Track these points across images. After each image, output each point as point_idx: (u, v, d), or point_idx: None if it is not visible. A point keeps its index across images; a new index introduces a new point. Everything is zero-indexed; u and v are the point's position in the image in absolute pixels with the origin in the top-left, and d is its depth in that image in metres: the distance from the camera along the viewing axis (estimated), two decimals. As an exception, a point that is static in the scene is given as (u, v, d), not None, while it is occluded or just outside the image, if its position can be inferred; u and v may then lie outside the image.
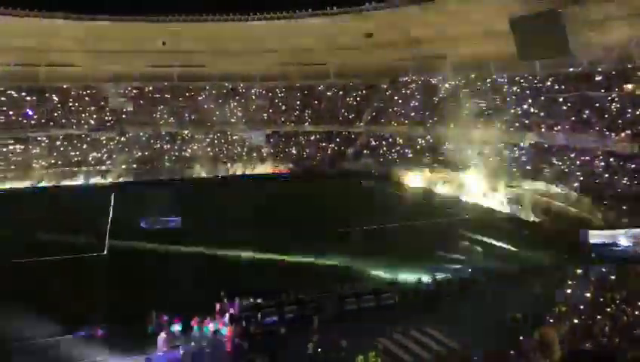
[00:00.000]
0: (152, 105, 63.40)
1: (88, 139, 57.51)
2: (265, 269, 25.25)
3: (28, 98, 58.41)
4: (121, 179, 53.19)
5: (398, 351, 17.34)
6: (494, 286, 21.85)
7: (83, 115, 59.33)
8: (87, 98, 61.34)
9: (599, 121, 41.21)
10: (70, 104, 60.19)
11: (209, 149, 60.12)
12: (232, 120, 63.80)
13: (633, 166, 35.15)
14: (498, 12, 48.36)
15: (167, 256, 27.61)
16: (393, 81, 65.41)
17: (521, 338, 15.60)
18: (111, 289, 22.52)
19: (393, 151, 57.70)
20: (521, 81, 51.90)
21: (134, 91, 63.90)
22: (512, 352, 14.87)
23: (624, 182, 34.27)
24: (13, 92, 58.08)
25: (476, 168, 43.59)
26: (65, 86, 61.04)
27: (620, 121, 40.04)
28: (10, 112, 56.56)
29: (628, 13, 41.85)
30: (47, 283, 23.47)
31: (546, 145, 43.72)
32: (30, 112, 57.26)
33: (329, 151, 62.27)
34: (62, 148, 55.53)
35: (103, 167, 54.50)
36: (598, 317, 16.38)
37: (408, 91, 63.08)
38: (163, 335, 17.46)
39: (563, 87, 47.83)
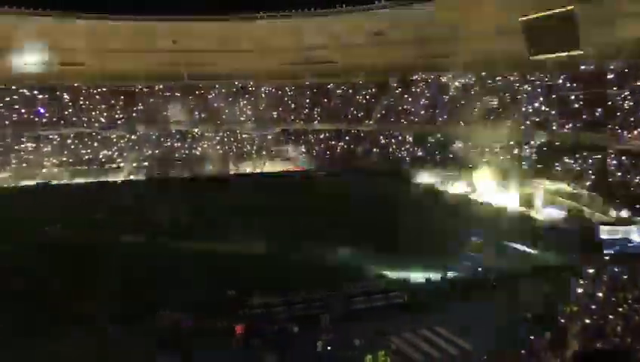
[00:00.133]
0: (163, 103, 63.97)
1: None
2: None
3: (40, 96, 59.15)
4: (131, 177, 54.11)
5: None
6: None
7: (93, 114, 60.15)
8: (97, 97, 61.99)
9: (612, 120, 40.78)
10: (81, 103, 60.92)
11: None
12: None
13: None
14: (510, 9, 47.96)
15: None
16: (403, 79, 65.13)
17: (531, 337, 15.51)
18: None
19: (403, 149, 57.55)
20: (532, 78, 51.42)
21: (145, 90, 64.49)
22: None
23: (637, 180, 33.94)
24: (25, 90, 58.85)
25: (487, 166, 43.31)
26: (76, 85, 61.66)
27: (632, 119, 39.62)
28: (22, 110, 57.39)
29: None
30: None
31: (557, 143, 43.32)
32: (42, 110, 57.96)
33: (338, 150, 62.24)
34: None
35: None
36: (611, 316, 16.26)
37: (418, 89, 62.85)
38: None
39: (575, 85, 47.34)
